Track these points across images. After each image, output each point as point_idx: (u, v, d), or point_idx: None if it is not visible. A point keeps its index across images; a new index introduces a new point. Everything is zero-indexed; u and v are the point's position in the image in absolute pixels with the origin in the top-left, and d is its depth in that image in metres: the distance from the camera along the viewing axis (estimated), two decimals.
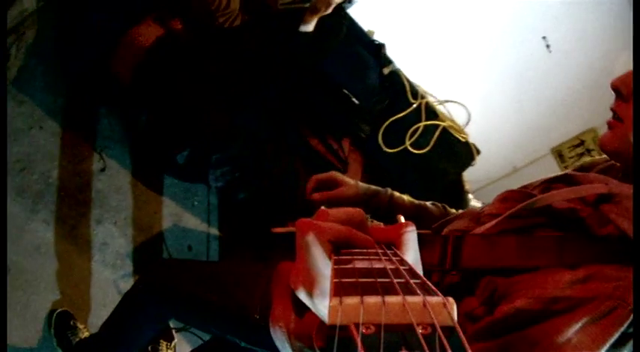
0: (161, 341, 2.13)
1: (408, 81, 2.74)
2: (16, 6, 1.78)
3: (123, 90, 2.21)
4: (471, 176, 2.96)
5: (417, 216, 1.12)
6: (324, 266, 0.46)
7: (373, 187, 1.14)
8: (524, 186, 0.94)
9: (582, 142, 3.12)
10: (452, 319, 0.30)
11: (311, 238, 0.48)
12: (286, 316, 0.58)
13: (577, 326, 0.60)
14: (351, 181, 1.13)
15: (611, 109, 0.80)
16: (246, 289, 1.22)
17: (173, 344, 2.17)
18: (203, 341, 2.26)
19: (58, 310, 1.99)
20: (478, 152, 2.87)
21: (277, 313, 0.59)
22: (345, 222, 0.52)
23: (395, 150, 2.77)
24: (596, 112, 2.86)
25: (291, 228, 0.98)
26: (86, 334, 2.00)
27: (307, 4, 2.30)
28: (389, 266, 0.42)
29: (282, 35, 2.30)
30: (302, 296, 0.48)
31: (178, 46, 2.23)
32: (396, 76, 2.72)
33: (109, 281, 2.17)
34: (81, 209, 2.18)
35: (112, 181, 2.30)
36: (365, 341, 0.28)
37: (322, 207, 0.55)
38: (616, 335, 0.61)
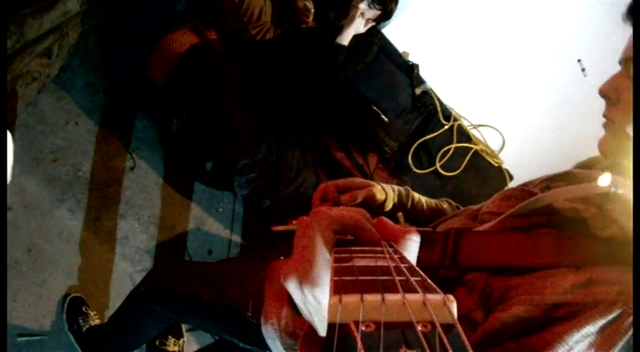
0: (169, 337, 2.16)
1: (440, 102, 2.73)
2: (58, 7, 1.92)
3: (156, 94, 2.33)
4: None
5: (432, 217, 1.09)
6: (321, 255, 0.46)
7: (396, 187, 1.11)
8: (525, 184, 0.92)
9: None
10: (452, 317, 0.30)
11: (313, 226, 0.48)
12: (278, 313, 0.59)
13: (578, 334, 0.58)
14: (374, 183, 1.07)
15: (603, 115, 0.82)
16: (239, 287, 1.24)
17: (181, 341, 2.20)
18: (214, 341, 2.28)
19: (72, 295, 2.07)
20: (511, 178, 2.79)
21: (269, 311, 0.60)
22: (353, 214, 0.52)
23: (425, 171, 2.74)
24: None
25: (292, 226, 0.98)
26: (97, 321, 2.07)
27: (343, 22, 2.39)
28: (389, 264, 0.42)
29: (318, 46, 2.37)
30: (291, 287, 0.46)
31: (212, 54, 2.34)
32: (428, 96, 2.72)
33: (126, 274, 2.24)
34: (106, 203, 2.28)
35: (140, 180, 2.40)
36: (365, 339, 0.28)
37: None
38: (620, 344, 0.58)
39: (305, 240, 0.47)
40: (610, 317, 0.58)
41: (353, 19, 2.34)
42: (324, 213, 0.49)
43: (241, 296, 1.18)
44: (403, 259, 0.44)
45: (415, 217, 1.13)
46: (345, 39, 2.36)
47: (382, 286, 0.35)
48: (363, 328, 0.30)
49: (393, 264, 0.41)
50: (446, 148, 2.74)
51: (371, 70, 2.58)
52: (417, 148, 2.73)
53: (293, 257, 0.48)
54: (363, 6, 2.32)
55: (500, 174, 2.79)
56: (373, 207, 1.03)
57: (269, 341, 0.99)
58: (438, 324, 0.29)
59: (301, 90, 2.47)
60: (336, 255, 0.45)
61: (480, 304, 0.70)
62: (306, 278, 0.45)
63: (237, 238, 2.64)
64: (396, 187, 1.11)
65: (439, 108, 2.72)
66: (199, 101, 2.31)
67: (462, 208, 1.20)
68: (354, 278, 0.38)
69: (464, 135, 2.77)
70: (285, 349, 0.87)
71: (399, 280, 0.36)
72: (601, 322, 0.58)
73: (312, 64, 2.39)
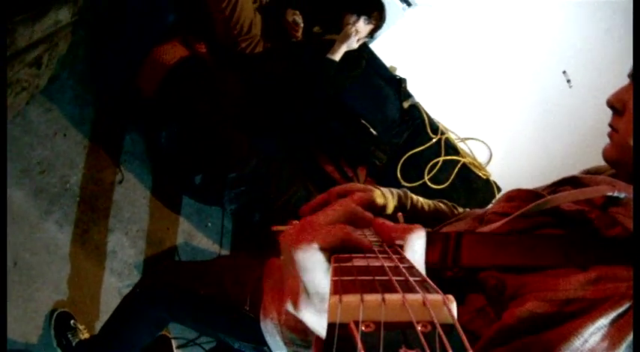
0: None
1: (428, 116, 2.76)
2: (50, 16, 1.92)
3: (145, 106, 2.32)
4: None
5: (431, 218, 1.11)
6: (324, 283, 0.45)
7: (394, 190, 1.11)
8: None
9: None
10: (452, 317, 0.30)
11: (302, 252, 0.46)
12: (277, 308, 0.58)
13: (593, 327, 0.59)
14: (373, 187, 1.08)
15: (609, 125, 0.84)
16: (237, 282, 1.23)
17: None
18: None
19: (59, 310, 2.01)
20: (499, 190, 2.82)
21: (268, 306, 0.60)
22: (344, 219, 0.52)
23: (413, 184, 2.75)
24: None
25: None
26: (86, 335, 2.01)
27: (336, 36, 2.42)
28: (389, 263, 0.42)
29: (308, 61, 2.39)
30: (306, 315, 0.46)
31: (201, 67, 2.34)
32: (416, 110, 2.75)
33: (114, 289, 2.19)
34: (94, 216, 2.24)
35: (128, 194, 2.37)
36: (365, 339, 0.28)
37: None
38: (631, 335, 0.59)
39: (303, 273, 0.46)
40: (621, 310, 0.59)
41: (348, 36, 2.37)
42: (318, 238, 0.47)
43: (239, 291, 1.17)
44: (403, 259, 0.44)
45: (415, 218, 1.13)
46: (337, 55, 2.40)
47: (382, 286, 0.35)
48: (363, 328, 0.29)
49: (393, 264, 0.41)
50: (434, 161, 2.77)
51: (359, 85, 2.61)
52: (406, 161, 2.75)
53: (296, 283, 0.47)
54: (360, 24, 2.36)
55: (489, 187, 2.82)
56: (374, 211, 1.01)
57: (268, 337, 0.97)
58: (438, 324, 0.28)
59: (290, 104, 2.48)
60: (336, 255, 0.45)
61: (493, 300, 0.71)
62: (320, 307, 0.45)
63: (226, 253, 2.61)
64: (394, 190, 1.12)
65: (427, 122, 2.75)
66: (188, 114, 2.31)
67: (460, 209, 1.22)
68: (353, 278, 0.37)
69: (451, 148, 2.80)
70: (285, 343, 0.86)
71: (399, 280, 0.36)
72: (613, 315, 0.59)
73: (302, 78, 2.42)
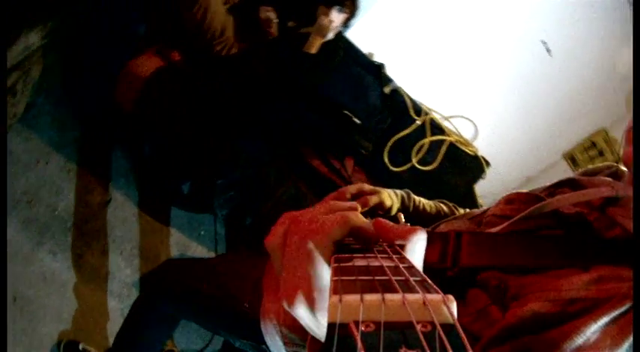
0: None
1: (410, 99, 2.75)
2: (20, 41, 1.86)
3: (126, 121, 2.27)
4: (484, 190, 2.90)
5: (432, 219, 1.11)
6: (327, 278, 0.45)
7: (398, 191, 1.13)
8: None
9: (594, 144, 3.04)
10: (452, 317, 0.30)
11: (312, 246, 0.46)
12: (277, 308, 0.57)
13: (595, 326, 0.59)
14: (380, 189, 1.10)
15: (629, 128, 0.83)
16: (238, 280, 1.25)
17: None
18: None
19: (65, 341, 1.99)
20: (488, 164, 2.83)
21: (268, 305, 0.58)
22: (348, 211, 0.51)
23: (402, 168, 2.74)
24: (604, 112, 2.81)
25: None
26: None
27: (311, 29, 2.38)
28: (389, 264, 0.42)
29: (286, 57, 2.36)
30: (301, 312, 0.45)
31: (178, 76, 2.30)
32: (398, 94, 2.73)
33: (117, 311, 2.17)
34: (87, 239, 2.21)
35: (118, 213, 2.34)
36: (365, 339, 0.28)
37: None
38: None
39: (309, 265, 0.46)
40: (623, 309, 0.60)
41: (323, 28, 2.33)
42: (320, 229, 0.48)
43: (240, 289, 1.18)
44: (403, 259, 0.44)
45: (416, 219, 1.16)
46: (314, 48, 2.36)
47: (382, 286, 0.35)
48: (363, 328, 0.30)
49: (393, 264, 0.42)
50: (420, 143, 2.76)
51: (339, 75, 2.58)
52: (392, 147, 2.74)
53: (291, 278, 0.46)
54: (333, 14, 2.32)
55: (477, 162, 2.83)
56: (381, 212, 1.06)
57: (268, 338, 0.97)
58: (438, 324, 0.29)
59: (272, 102, 2.45)
60: (337, 255, 0.45)
61: (495, 300, 0.71)
62: (318, 305, 0.44)
63: None
64: (398, 191, 1.14)
65: (410, 105, 2.73)
66: (170, 124, 2.27)
67: (460, 210, 1.24)
68: (353, 278, 0.38)
69: (437, 128, 2.80)
70: (284, 343, 0.86)
71: (399, 280, 0.36)
72: (615, 314, 0.60)
73: (280, 74, 2.38)
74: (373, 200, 1.02)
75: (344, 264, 0.42)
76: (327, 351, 0.28)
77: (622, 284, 0.62)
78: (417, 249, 0.48)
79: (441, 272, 0.80)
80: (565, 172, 3.05)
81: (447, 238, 0.82)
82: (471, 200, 2.84)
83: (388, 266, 0.40)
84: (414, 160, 2.75)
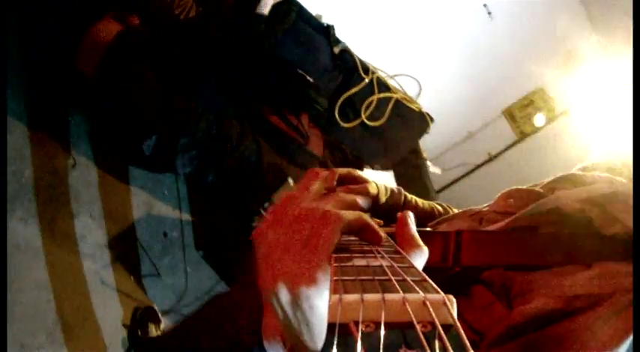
0: (149, 324, 2.24)
1: (359, 58, 2.88)
2: None
3: (89, 87, 2.29)
4: (429, 144, 3.12)
5: (427, 217, 1.10)
6: (327, 259, 0.44)
7: (388, 186, 1.09)
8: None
9: (532, 102, 3.32)
10: (452, 317, 0.31)
11: (329, 226, 0.46)
12: (277, 324, 0.52)
13: (600, 321, 0.61)
14: (370, 179, 1.06)
15: None
16: (231, 319, 1.18)
17: (162, 326, 2.29)
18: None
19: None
20: (432, 120, 3.04)
21: (269, 323, 0.54)
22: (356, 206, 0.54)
23: (352, 124, 2.91)
24: (541, 72, 3.05)
25: None
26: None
27: None
28: (389, 264, 0.42)
29: (240, 20, 2.42)
30: (281, 292, 0.45)
31: (139, 39, 2.32)
32: (347, 54, 2.86)
33: (92, 271, 2.26)
34: (56, 205, 2.26)
35: (83, 176, 2.38)
36: (365, 339, 0.29)
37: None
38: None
39: (317, 239, 0.45)
40: (627, 302, 0.62)
41: None
42: (335, 215, 0.48)
43: (235, 325, 1.07)
44: (404, 259, 0.45)
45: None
46: (265, 8, 2.43)
47: (382, 286, 0.35)
48: (363, 328, 0.30)
49: (394, 264, 0.42)
50: (369, 100, 2.92)
51: (291, 36, 2.67)
52: (343, 104, 2.88)
53: (288, 258, 0.46)
54: None
55: (422, 118, 3.03)
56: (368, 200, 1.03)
57: None
58: (438, 324, 0.29)
59: (230, 63, 2.52)
60: (336, 255, 0.45)
61: (500, 297, 0.72)
62: (305, 279, 0.43)
63: (187, 217, 2.71)
64: (389, 186, 1.10)
65: (358, 64, 2.87)
66: (133, 87, 2.31)
67: (454, 210, 1.21)
68: (353, 278, 0.38)
69: (384, 86, 2.96)
70: None
71: (399, 280, 0.37)
72: (619, 308, 0.62)
73: (236, 37, 2.45)
74: (357, 190, 0.97)
75: (344, 264, 0.42)
76: (327, 351, 0.29)
77: (624, 280, 0.64)
78: (414, 262, 0.47)
79: (444, 270, 0.80)
80: (504, 128, 3.31)
81: (448, 237, 0.81)
82: (416, 153, 3.06)
83: (388, 267, 0.41)
84: (364, 116, 2.92)
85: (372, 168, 2.96)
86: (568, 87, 3.14)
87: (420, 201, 1.13)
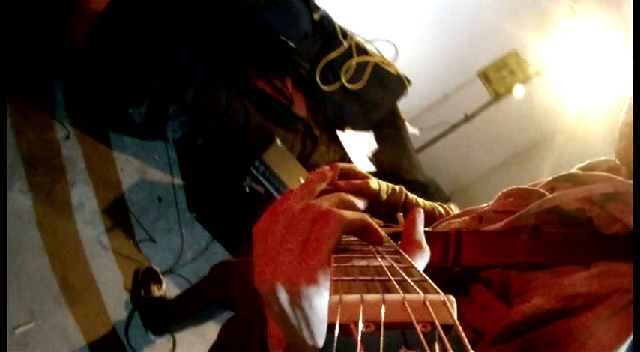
0: (151, 283, 2.38)
1: (338, 24, 2.98)
2: None
3: (79, 56, 2.36)
4: (406, 106, 3.25)
5: (427, 217, 1.10)
6: (328, 257, 0.45)
7: (390, 184, 1.10)
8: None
9: (506, 64, 3.46)
10: (452, 317, 0.31)
11: (331, 226, 0.46)
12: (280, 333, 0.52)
13: (599, 320, 0.60)
14: (371, 176, 1.06)
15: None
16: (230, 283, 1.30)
17: (163, 286, 2.43)
18: (189, 283, 2.55)
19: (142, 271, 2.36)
20: (409, 82, 3.17)
21: (275, 331, 0.54)
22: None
23: (333, 87, 3.03)
24: (516, 35, 3.19)
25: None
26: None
27: None
28: (389, 264, 0.42)
29: None
30: (279, 289, 0.45)
31: (132, 6, 2.39)
32: (326, 20, 2.96)
33: (92, 238, 2.38)
34: (53, 175, 2.35)
35: (78, 146, 2.47)
36: (365, 340, 0.29)
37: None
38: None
39: (318, 239, 0.45)
40: (626, 302, 0.61)
41: None
42: (337, 214, 0.47)
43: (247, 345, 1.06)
44: (404, 259, 0.45)
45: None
46: None
47: (382, 286, 0.35)
48: (363, 328, 0.30)
49: (394, 265, 0.42)
50: (348, 64, 3.04)
51: (273, 4, 2.75)
52: (323, 68, 3.00)
53: (287, 256, 0.46)
54: None
55: (400, 80, 3.17)
56: (369, 197, 1.04)
57: None
58: (438, 324, 0.29)
59: (216, 29, 2.61)
60: (336, 256, 0.45)
61: (499, 296, 0.72)
62: (304, 279, 0.43)
63: (179, 181, 2.82)
64: (390, 185, 1.11)
65: (337, 29, 2.97)
66: (127, 54, 2.38)
67: (453, 210, 1.22)
68: (354, 278, 0.38)
69: (362, 51, 3.08)
70: None
71: (399, 280, 0.37)
72: (618, 308, 0.61)
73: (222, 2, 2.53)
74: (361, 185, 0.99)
75: (344, 264, 0.42)
76: (327, 351, 0.29)
77: (623, 279, 0.63)
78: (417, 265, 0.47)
79: (444, 270, 0.81)
80: (480, 89, 3.46)
81: (448, 238, 0.82)
82: (395, 115, 3.20)
83: (388, 267, 0.41)
84: (344, 79, 3.04)
85: (354, 129, 3.09)
86: (542, 49, 3.28)
87: (420, 201, 1.14)
